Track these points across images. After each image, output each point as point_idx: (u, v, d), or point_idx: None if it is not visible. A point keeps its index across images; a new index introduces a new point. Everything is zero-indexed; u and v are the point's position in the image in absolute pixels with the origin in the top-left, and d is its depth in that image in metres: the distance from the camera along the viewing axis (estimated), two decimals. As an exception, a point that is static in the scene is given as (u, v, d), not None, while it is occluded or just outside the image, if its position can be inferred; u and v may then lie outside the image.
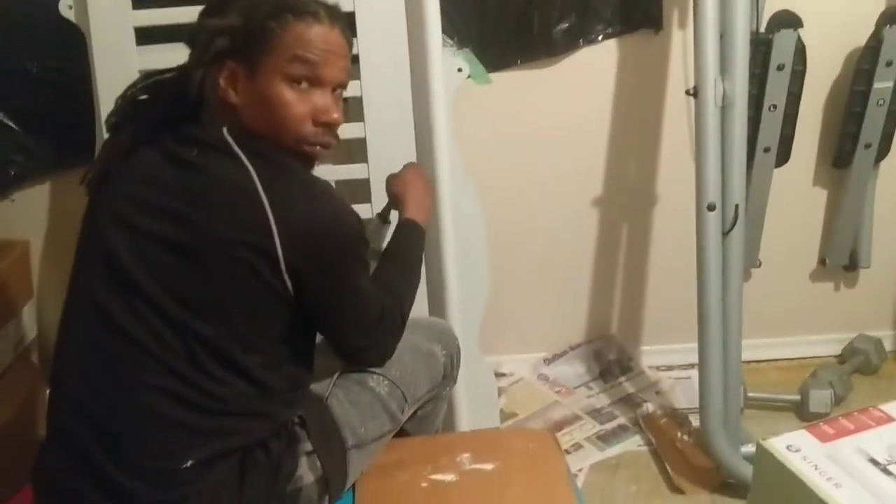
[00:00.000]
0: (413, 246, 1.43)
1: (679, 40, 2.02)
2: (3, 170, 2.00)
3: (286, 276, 1.11)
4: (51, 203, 2.09)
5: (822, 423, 1.24)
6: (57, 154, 2.01)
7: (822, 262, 2.24)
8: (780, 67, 1.87)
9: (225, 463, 1.11)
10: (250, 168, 1.11)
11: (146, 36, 1.68)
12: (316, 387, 1.28)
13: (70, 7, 1.73)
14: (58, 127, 1.98)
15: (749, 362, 2.25)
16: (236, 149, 1.13)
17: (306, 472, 1.19)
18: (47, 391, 2.01)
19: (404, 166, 1.59)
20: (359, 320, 1.23)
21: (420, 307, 1.75)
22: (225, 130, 1.15)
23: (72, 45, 1.79)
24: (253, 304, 1.12)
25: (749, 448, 1.80)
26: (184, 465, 1.08)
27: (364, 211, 1.73)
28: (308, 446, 1.19)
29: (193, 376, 1.09)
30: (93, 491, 1.08)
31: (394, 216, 1.56)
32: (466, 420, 1.81)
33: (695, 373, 1.94)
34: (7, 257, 1.99)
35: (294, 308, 1.15)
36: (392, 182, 1.56)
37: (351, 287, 1.20)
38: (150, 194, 1.13)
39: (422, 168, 1.59)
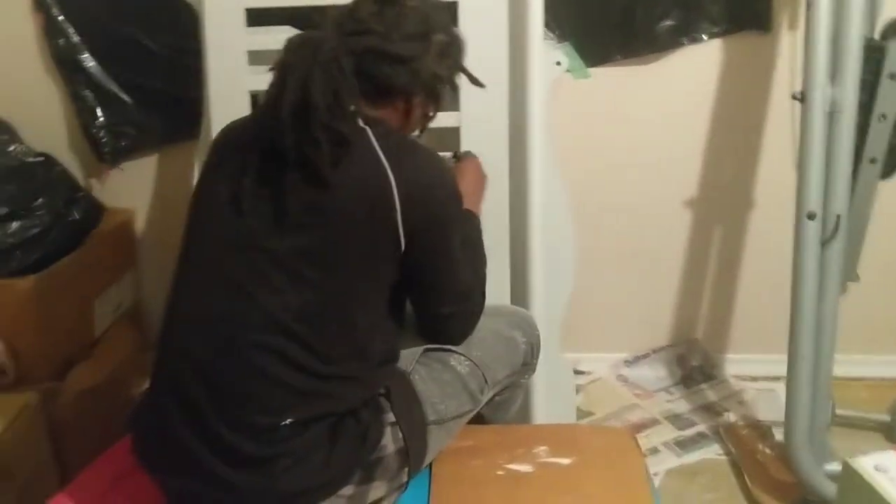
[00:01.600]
0: (472, 235, 1.45)
1: (788, 42, 1.96)
2: (116, 140, 2.10)
3: (401, 231, 1.17)
4: (157, 175, 2.18)
5: (913, 444, 1.20)
6: (166, 128, 2.11)
7: (924, 279, 2.15)
8: (893, 76, 1.79)
9: (319, 425, 1.15)
10: (371, 136, 1.18)
11: (257, 17, 1.73)
12: (400, 363, 1.31)
13: (187, -14, 1.80)
14: (169, 102, 2.07)
15: (839, 378, 2.17)
16: (361, 122, 1.19)
17: (389, 442, 1.21)
18: (145, 354, 2.13)
19: (460, 156, 1.61)
20: (453, 286, 1.29)
21: (502, 298, 1.76)
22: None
23: (186, 23, 1.87)
24: (370, 263, 1.19)
25: (833, 466, 1.74)
26: (283, 423, 1.13)
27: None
28: (391, 417, 1.23)
29: (306, 335, 1.14)
30: (193, 438, 1.14)
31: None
32: (542, 414, 1.81)
33: (780, 385, 1.89)
34: (112, 224, 2.09)
35: (400, 270, 1.22)
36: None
37: (451, 250, 1.26)
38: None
39: (477, 160, 1.60)
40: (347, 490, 1.17)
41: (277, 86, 1.13)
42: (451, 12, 1.67)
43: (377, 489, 1.21)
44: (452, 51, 1.28)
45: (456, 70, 1.31)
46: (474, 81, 1.36)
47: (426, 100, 1.28)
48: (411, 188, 1.17)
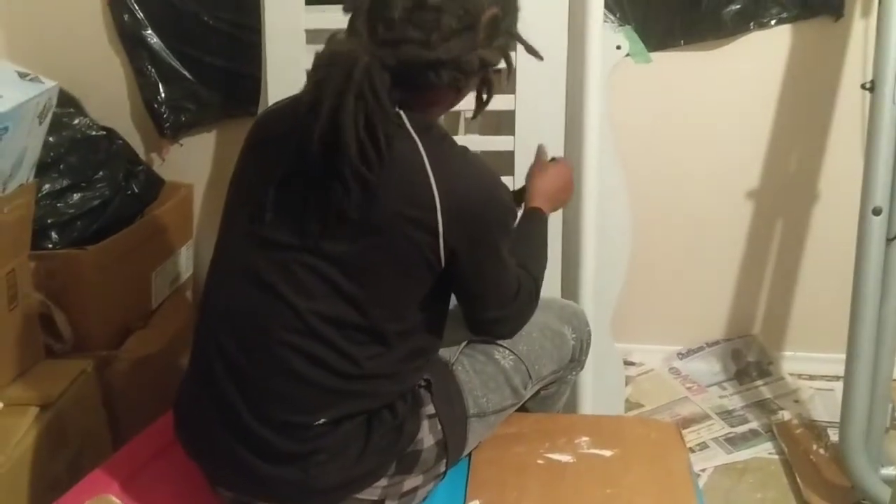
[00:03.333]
0: (537, 233, 1.40)
1: (860, 30, 1.89)
2: (176, 115, 2.14)
3: (442, 250, 1.12)
4: (215, 150, 2.22)
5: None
6: (225, 104, 2.13)
7: None
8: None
9: (352, 422, 1.14)
10: (419, 144, 1.11)
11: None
12: (444, 352, 1.30)
13: (248, -36, 1.81)
14: (228, 78, 2.10)
15: (902, 381, 2.11)
16: (409, 126, 1.12)
17: (427, 435, 1.20)
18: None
19: (557, 159, 1.54)
20: (498, 292, 1.22)
21: (553, 286, 1.74)
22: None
23: (247, 0, 1.88)
24: (406, 272, 1.13)
25: (890, 470, 1.69)
26: (316, 422, 1.12)
27: (507, 183, 1.72)
28: (431, 409, 1.21)
29: (335, 339, 1.12)
30: (225, 432, 1.14)
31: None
32: (590, 405, 1.79)
33: (839, 385, 1.83)
34: (172, 198, 2.13)
35: (439, 279, 1.17)
36: (536, 174, 1.49)
37: (497, 259, 1.20)
38: None
39: (569, 167, 1.53)
40: (382, 482, 1.16)
41: (310, 106, 1.05)
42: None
43: (413, 480, 1.20)
44: (503, 25, 1.14)
45: (509, 44, 1.19)
46: (531, 51, 1.24)
47: (478, 86, 1.20)
48: (456, 205, 1.10)
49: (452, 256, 1.13)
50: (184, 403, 1.23)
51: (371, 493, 1.16)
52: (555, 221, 1.73)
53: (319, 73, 1.05)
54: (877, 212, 1.61)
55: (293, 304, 1.11)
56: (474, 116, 1.26)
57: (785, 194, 2.08)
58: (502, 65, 1.19)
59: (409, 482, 1.19)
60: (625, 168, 1.83)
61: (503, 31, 1.14)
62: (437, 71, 1.08)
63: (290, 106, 1.21)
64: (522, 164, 1.71)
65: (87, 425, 1.69)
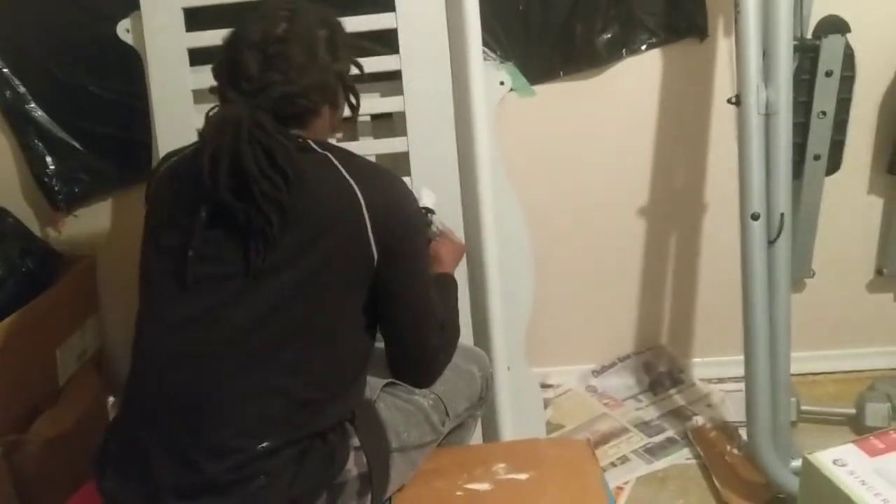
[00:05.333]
0: (451, 293, 1.50)
1: (725, 48, 2.00)
2: (69, 187, 2.11)
3: (373, 244, 1.20)
4: (113, 218, 2.18)
5: (871, 437, 1.22)
6: (118, 172, 2.11)
7: (878, 271, 2.18)
8: (829, 73, 1.84)
9: (292, 448, 1.16)
10: (331, 156, 1.23)
11: (199, 56, 1.75)
12: (366, 392, 1.32)
13: (127, 31, 1.81)
14: (119, 146, 2.08)
15: (805, 374, 2.20)
16: (315, 146, 1.23)
17: (352, 466, 1.22)
18: (108, 400, 2.12)
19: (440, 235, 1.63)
20: (428, 313, 1.31)
21: (463, 317, 1.77)
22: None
23: (132, 68, 1.87)
24: (349, 278, 1.21)
25: (799, 462, 1.75)
26: (258, 447, 1.13)
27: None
28: (356, 441, 1.23)
29: (286, 362, 1.16)
30: (163, 455, 1.14)
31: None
32: (511, 432, 1.81)
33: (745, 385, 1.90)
34: (73, 271, 2.09)
35: (373, 285, 1.24)
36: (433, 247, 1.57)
37: (422, 272, 1.31)
38: None
39: (450, 233, 1.63)
40: None
41: (210, 162, 1.13)
42: (392, 36, 1.70)
43: None
44: (338, 40, 1.28)
45: (350, 51, 1.33)
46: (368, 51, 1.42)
47: (345, 95, 1.33)
48: (379, 203, 1.20)
49: (384, 257, 1.21)
50: (114, 451, 1.21)
51: None
52: (461, 276, 1.77)
53: (211, 142, 1.14)
54: (755, 217, 1.70)
55: (239, 331, 1.15)
56: (352, 119, 1.39)
57: (675, 208, 2.17)
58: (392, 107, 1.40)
59: None
60: (521, 199, 1.89)
61: (341, 44, 1.29)
62: (307, 97, 1.22)
63: (190, 157, 1.26)
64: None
65: (-2, 514, 1.64)
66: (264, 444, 1.13)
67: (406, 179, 1.75)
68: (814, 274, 2.12)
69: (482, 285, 1.78)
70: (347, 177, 1.20)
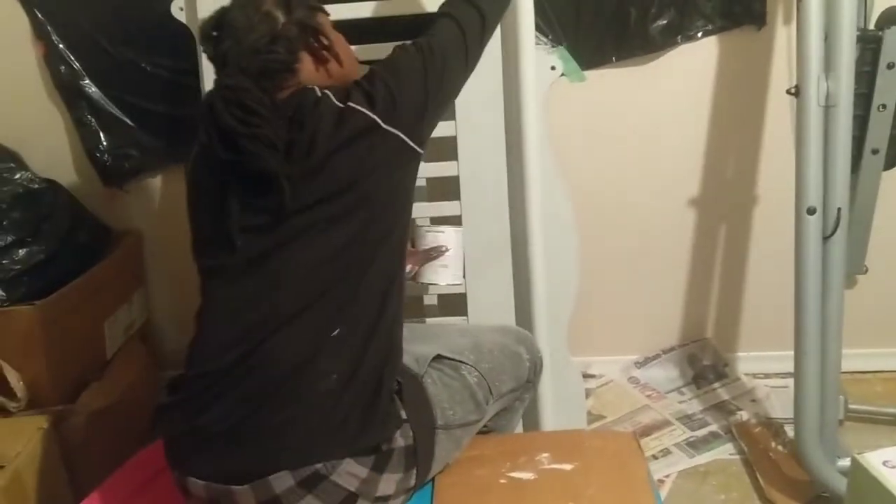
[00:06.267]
0: None
1: (783, 37, 1.95)
2: (119, 163, 2.14)
3: (392, 127, 1.25)
4: (161, 195, 2.21)
5: (922, 439, 1.19)
6: (167, 148, 2.13)
7: (934, 270, 2.13)
8: (891, 66, 1.78)
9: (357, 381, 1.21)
10: (329, 93, 1.29)
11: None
12: (413, 365, 1.35)
13: (181, 9, 1.83)
14: (169, 123, 2.10)
15: (853, 373, 2.16)
16: (330, 94, 1.29)
17: (399, 438, 1.24)
18: (156, 372, 2.15)
19: None
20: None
21: (508, 303, 1.77)
22: None
23: (183, 44, 1.89)
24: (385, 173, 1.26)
25: (846, 462, 1.72)
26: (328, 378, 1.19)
27: (453, 209, 1.75)
28: (403, 414, 1.25)
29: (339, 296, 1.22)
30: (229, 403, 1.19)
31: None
32: (552, 421, 1.80)
33: (792, 381, 1.87)
34: (122, 245, 2.12)
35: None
36: None
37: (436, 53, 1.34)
38: None
39: None
40: (362, 472, 1.19)
41: (206, 135, 1.24)
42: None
43: (385, 484, 1.22)
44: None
45: (304, 2, 1.36)
46: None
47: (315, 39, 1.35)
48: (376, 101, 1.26)
49: (406, 109, 1.28)
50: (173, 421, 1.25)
51: (349, 481, 1.18)
52: (503, 243, 1.76)
53: (203, 119, 1.24)
54: (811, 211, 1.66)
55: (292, 276, 1.22)
56: (330, 62, 1.37)
57: (725, 199, 2.13)
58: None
59: (382, 486, 1.21)
60: (568, 184, 1.87)
61: (293, 1, 1.32)
62: (266, 51, 1.27)
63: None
64: (467, 189, 1.74)
65: (46, 482, 1.67)
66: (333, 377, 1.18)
67: (452, 164, 1.75)
68: (866, 270, 2.07)
69: (527, 271, 1.77)
70: (337, 102, 1.25)
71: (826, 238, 1.69)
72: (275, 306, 1.21)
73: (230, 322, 1.23)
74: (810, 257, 1.68)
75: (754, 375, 2.23)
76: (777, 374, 2.20)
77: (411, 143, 1.27)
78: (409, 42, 1.36)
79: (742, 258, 2.20)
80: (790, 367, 1.82)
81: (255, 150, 1.18)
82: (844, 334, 1.77)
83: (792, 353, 1.77)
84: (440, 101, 1.34)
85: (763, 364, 2.24)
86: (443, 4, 1.44)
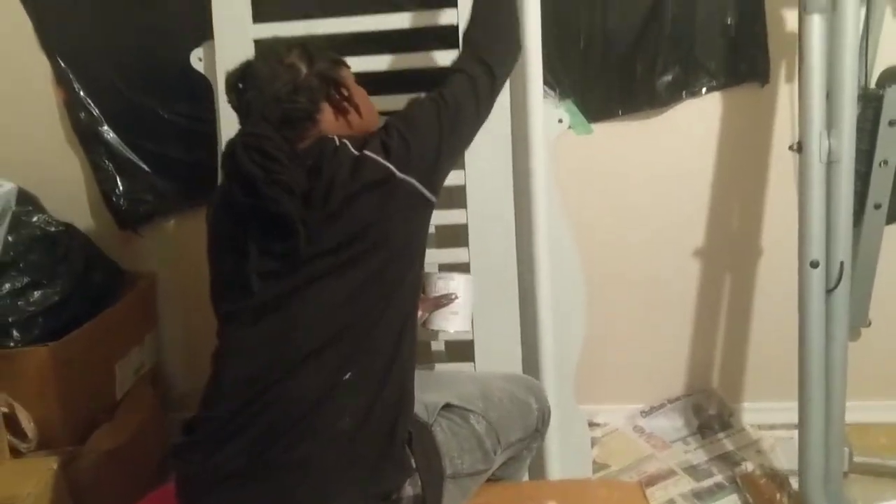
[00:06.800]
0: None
1: (786, 94, 2.00)
2: (135, 207, 2.18)
3: (405, 175, 1.29)
4: (175, 238, 2.24)
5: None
6: (182, 193, 2.17)
7: (938, 323, 2.14)
8: (892, 123, 1.82)
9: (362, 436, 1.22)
10: (347, 142, 1.34)
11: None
12: (422, 413, 1.36)
13: (200, 59, 1.89)
14: (183, 168, 2.14)
15: (857, 424, 2.16)
16: (347, 143, 1.34)
17: (409, 487, 1.25)
18: (165, 414, 2.16)
19: None
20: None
21: (515, 350, 1.78)
22: None
23: (200, 93, 1.94)
24: (399, 221, 1.29)
25: (851, 514, 1.73)
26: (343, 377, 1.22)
27: (462, 255, 1.78)
28: (413, 463, 1.26)
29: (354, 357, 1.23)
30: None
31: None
32: (557, 469, 1.81)
33: (797, 433, 1.88)
34: (135, 288, 2.15)
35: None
36: None
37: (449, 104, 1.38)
38: None
39: None
40: None
41: (227, 178, 1.29)
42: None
43: None
44: (311, 49, 1.39)
45: (328, 53, 1.42)
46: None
47: (336, 90, 1.39)
48: (382, 144, 1.30)
49: (420, 159, 1.31)
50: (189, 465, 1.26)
51: None
52: (511, 291, 1.79)
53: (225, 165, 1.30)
54: (814, 264, 1.69)
55: (308, 321, 1.24)
56: (350, 113, 1.41)
57: (730, 250, 2.16)
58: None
59: None
60: (575, 234, 1.90)
61: (315, 52, 1.39)
62: (287, 99, 1.32)
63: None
64: (476, 237, 1.77)
65: (55, 524, 1.68)
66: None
67: (461, 212, 1.78)
68: (870, 323, 2.08)
69: (534, 319, 1.79)
70: (354, 150, 1.28)
71: (829, 291, 1.71)
72: (290, 348, 1.23)
73: (246, 363, 1.25)
74: (814, 309, 1.70)
75: (759, 426, 2.23)
76: (782, 426, 2.20)
77: (425, 191, 1.31)
78: (423, 95, 1.40)
79: (747, 309, 2.22)
80: (795, 418, 1.84)
81: (273, 194, 1.22)
82: (849, 386, 1.78)
83: (796, 404, 1.78)
84: (452, 150, 1.38)
85: (768, 415, 2.24)
86: (455, 61, 1.49)
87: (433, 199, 1.34)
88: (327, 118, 1.37)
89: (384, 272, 1.27)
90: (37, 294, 1.84)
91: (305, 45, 1.39)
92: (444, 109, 1.37)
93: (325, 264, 1.24)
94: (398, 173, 1.27)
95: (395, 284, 1.28)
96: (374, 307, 1.26)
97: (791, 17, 1.95)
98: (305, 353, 1.22)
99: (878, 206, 1.92)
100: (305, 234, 1.23)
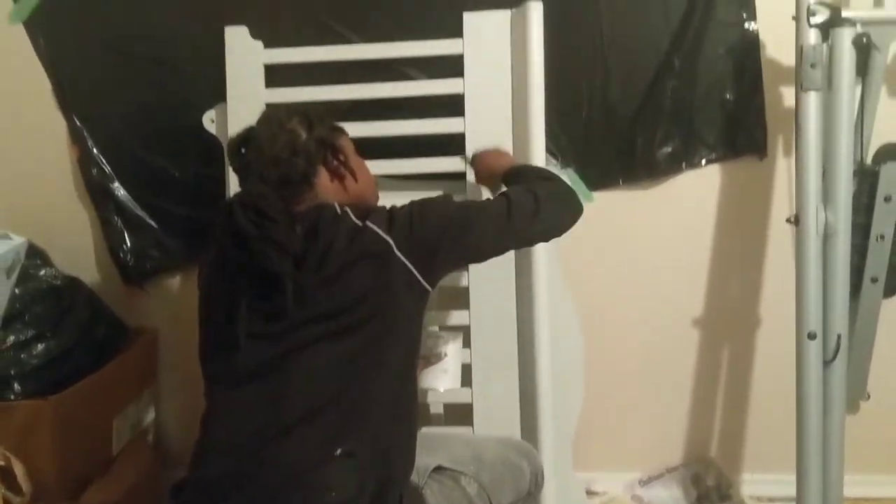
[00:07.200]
0: (523, 175, 1.56)
1: (784, 167, 2.04)
2: (141, 262, 2.20)
3: (404, 257, 1.30)
4: (178, 295, 2.26)
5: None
6: (187, 250, 2.20)
7: (937, 397, 2.14)
8: (888, 199, 1.85)
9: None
10: (350, 213, 1.36)
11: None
12: (413, 476, 1.35)
13: (212, 121, 1.94)
14: (190, 225, 2.17)
15: (856, 499, 2.14)
16: (349, 211, 1.36)
17: None
18: (161, 471, 2.15)
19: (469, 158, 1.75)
20: (501, 217, 1.39)
21: (514, 415, 1.79)
22: None
23: (211, 153, 1.99)
24: (397, 303, 1.30)
25: (851, 592, 1.70)
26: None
27: (462, 318, 1.80)
28: None
29: (352, 419, 1.23)
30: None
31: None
32: (554, 535, 1.80)
33: (797, 506, 1.86)
34: (137, 343, 2.16)
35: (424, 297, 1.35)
36: (478, 161, 1.72)
37: (461, 215, 1.38)
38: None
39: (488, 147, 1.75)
40: None
41: (222, 234, 1.32)
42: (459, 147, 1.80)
43: None
44: (311, 116, 1.44)
45: (328, 121, 1.47)
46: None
47: (334, 156, 1.43)
48: (388, 220, 1.32)
49: (419, 248, 1.31)
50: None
51: None
52: (510, 355, 1.80)
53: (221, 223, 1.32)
54: (812, 336, 1.70)
55: (295, 386, 1.25)
56: (346, 178, 1.45)
57: (728, 320, 2.17)
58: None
59: None
60: (576, 300, 1.92)
61: (315, 119, 1.44)
62: (285, 162, 1.36)
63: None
64: (476, 300, 1.80)
65: (46, 581, 1.66)
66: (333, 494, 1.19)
67: (462, 274, 1.81)
68: (869, 396, 2.08)
69: (533, 384, 1.80)
70: (355, 219, 1.31)
71: (827, 363, 1.72)
72: (279, 414, 1.23)
73: (233, 428, 1.26)
74: (811, 381, 1.71)
75: (759, 499, 2.21)
76: (782, 499, 2.17)
77: (420, 279, 1.31)
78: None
79: (746, 378, 2.22)
80: (793, 491, 1.83)
81: (263, 249, 1.24)
82: (847, 460, 1.78)
83: (794, 476, 1.77)
84: (455, 254, 1.36)
85: (767, 487, 2.22)
86: (517, 176, 1.54)
87: (429, 289, 1.33)
88: (323, 182, 1.40)
89: (377, 344, 1.27)
90: (40, 347, 1.85)
91: (307, 112, 1.44)
92: (462, 215, 1.37)
93: (317, 330, 1.25)
94: (395, 251, 1.29)
95: (388, 356, 1.28)
96: (366, 377, 1.26)
97: (788, 94, 2.01)
98: (294, 420, 1.22)
99: (874, 280, 1.94)
100: (294, 292, 1.24)
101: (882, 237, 1.90)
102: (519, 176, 1.55)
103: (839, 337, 1.71)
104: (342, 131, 1.50)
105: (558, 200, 1.47)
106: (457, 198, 1.50)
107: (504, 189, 1.48)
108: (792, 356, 1.77)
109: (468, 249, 1.39)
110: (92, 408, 1.91)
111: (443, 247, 1.32)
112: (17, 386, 1.80)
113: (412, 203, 1.37)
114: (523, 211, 1.39)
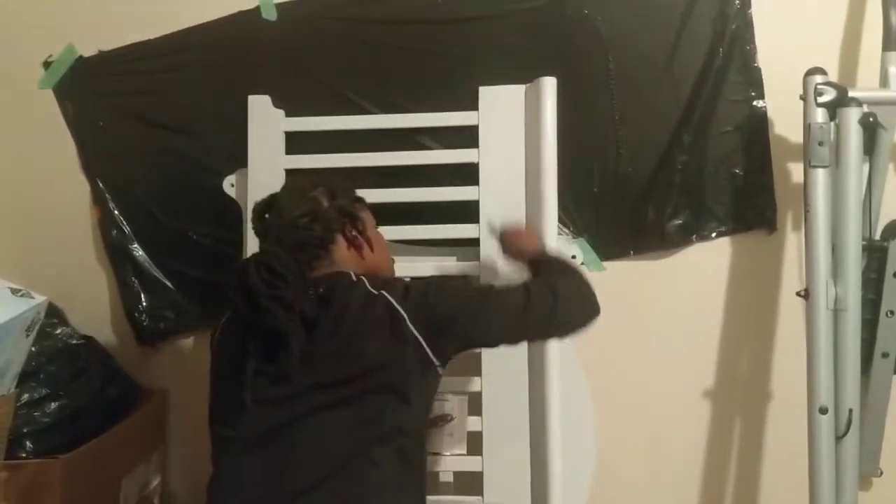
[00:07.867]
0: (554, 265, 1.55)
1: (794, 241, 2.06)
2: (156, 323, 2.22)
3: (414, 330, 1.31)
4: (190, 357, 2.28)
5: None
6: (202, 312, 2.22)
7: (950, 475, 2.11)
8: (896, 275, 1.88)
9: None
10: (366, 282, 1.40)
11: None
12: None
13: (232, 185, 1.99)
14: (206, 288, 2.20)
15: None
16: (364, 280, 1.40)
17: None
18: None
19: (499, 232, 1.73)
20: (518, 307, 1.37)
21: (524, 485, 1.78)
22: None
23: (229, 216, 2.03)
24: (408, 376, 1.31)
25: None
26: None
27: (474, 385, 1.80)
28: None
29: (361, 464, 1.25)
30: None
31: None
32: None
33: (810, 585, 1.83)
34: (148, 403, 2.17)
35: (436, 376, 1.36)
36: (508, 242, 1.69)
37: (476, 296, 1.39)
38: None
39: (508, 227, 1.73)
40: None
41: (235, 292, 1.34)
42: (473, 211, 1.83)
43: None
44: (335, 185, 1.48)
45: (351, 192, 1.52)
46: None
47: (352, 225, 1.47)
48: (404, 293, 1.33)
49: (431, 325, 1.31)
50: None
51: None
52: (522, 425, 1.80)
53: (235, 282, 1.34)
54: (823, 411, 1.70)
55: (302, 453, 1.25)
56: (364, 248, 1.49)
57: (739, 394, 2.16)
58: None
59: None
60: (585, 372, 1.92)
61: (339, 188, 1.49)
62: (304, 227, 1.40)
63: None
64: (488, 368, 1.80)
65: None
66: None
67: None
68: (881, 473, 2.06)
69: (544, 455, 1.79)
70: (371, 288, 1.33)
71: (839, 438, 1.71)
72: (282, 484, 1.23)
73: (238, 498, 1.26)
74: (823, 456, 1.70)
75: (772, 577, 2.17)
76: (795, 577, 2.14)
77: (430, 354, 1.32)
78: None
79: (757, 452, 2.20)
80: (807, 570, 1.79)
81: (270, 307, 1.25)
82: (861, 538, 1.75)
83: (808, 554, 1.75)
84: (465, 338, 1.37)
85: (780, 565, 2.18)
86: (543, 265, 1.55)
87: (439, 366, 1.34)
88: (340, 249, 1.43)
89: (385, 414, 1.27)
90: (53, 406, 1.86)
91: (332, 183, 1.48)
92: (478, 299, 1.37)
93: (325, 397, 1.26)
94: (409, 323, 1.30)
95: (396, 427, 1.29)
96: (373, 447, 1.26)
97: (797, 170, 2.04)
98: (299, 490, 1.22)
99: (885, 355, 1.94)
100: (304, 357, 1.25)
101: (892, 313, 1.91)
102: (544, 266, 1.54)
103: (850, 412, 1.71)
104: (364, 203, 1.54)
105: (577, 302, 1.46)
106: (473, 271, 1.52)
107: (526, 279, 1.48)
108: (803, 431, 1.76)
109: (479, 335, 1.38)
110: (101, 468, 1.91)
111: (454, 327, 1.33)
112: (29, 444, 1.81)
113: (431, 279, 1.39)
114: (540, 309, 1.38)
